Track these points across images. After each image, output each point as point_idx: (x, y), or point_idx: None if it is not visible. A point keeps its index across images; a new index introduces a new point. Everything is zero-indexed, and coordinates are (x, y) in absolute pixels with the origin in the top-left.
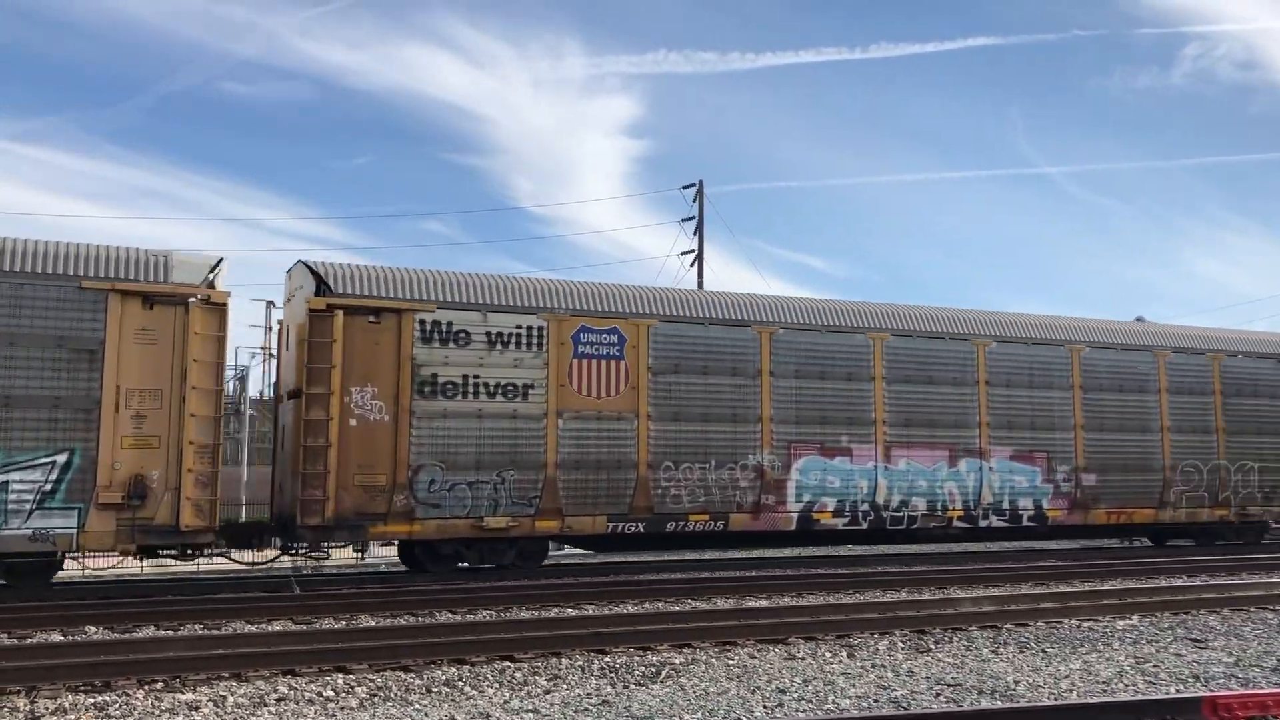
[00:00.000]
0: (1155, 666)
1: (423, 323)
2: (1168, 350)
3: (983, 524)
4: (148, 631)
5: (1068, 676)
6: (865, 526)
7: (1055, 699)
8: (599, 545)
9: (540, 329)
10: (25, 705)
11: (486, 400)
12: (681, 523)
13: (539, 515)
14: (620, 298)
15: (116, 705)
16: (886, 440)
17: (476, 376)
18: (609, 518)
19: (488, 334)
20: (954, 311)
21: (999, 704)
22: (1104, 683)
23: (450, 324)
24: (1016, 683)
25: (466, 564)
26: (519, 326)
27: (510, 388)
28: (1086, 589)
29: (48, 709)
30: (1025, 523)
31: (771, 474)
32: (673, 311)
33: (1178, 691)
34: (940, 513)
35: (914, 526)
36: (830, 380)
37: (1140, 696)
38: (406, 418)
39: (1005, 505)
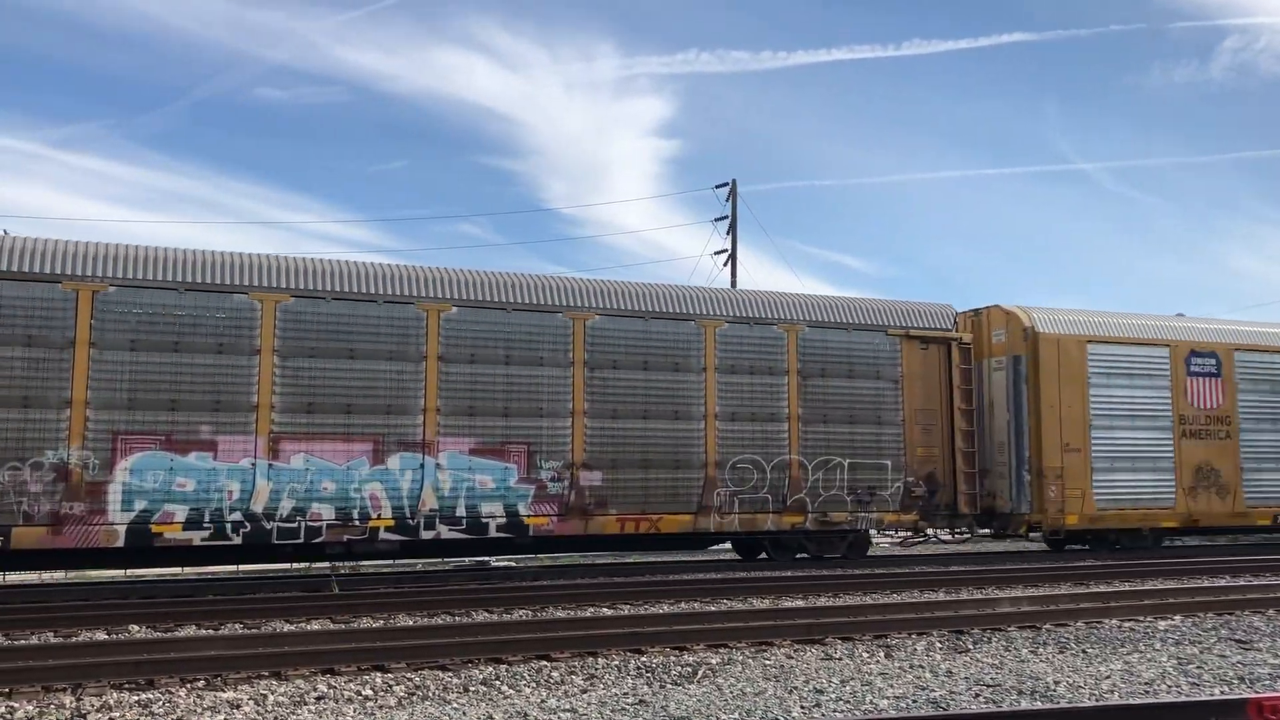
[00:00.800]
0: (1199, 667)
1: None
2: (720, 319)
3: (426, 535)
4: (189, 630)
5: (1109, 677)
6: (239, 540)
7: (1096, 700)
8: None
9: None
10: (71, 702)
11: None
12: None
13: None
14: None
15: (160, 703)
16: (275, 430)
17: None
18: None
19: None
20: (395, 268)
21: (1039, 705)
22: (1146, 684)
23: None
24: (1056, 683)
25: None
26: None
27: None
28: (1127, 589)
29: (93, 706)
30: (494, 533)
31: (83, 475)
32: None
33: (1222, 693)
34: (359, 522)
35: (318, 540)
36: (190, 353)
37: (1184, 698)
38: None
39: (461, 512)
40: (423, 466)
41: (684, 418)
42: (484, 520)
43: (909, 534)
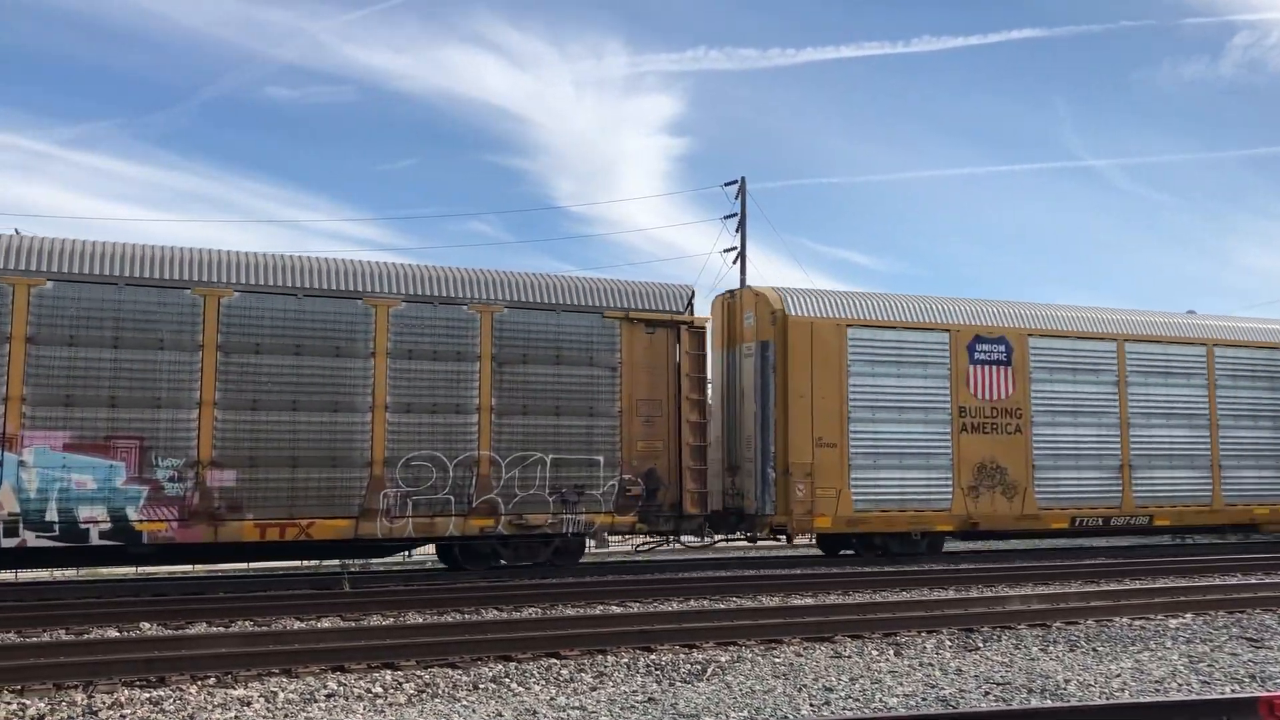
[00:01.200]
0: (1209, 666)
1: None
2: (395, 298)
3: (8, 543)
4: (200, 628)
5: (1119, 675)
6: None
7: (1107, 698)
8: None
9: None
10: (83, 699)
11: None
12: None
13: None
14: None
15: (170, 700)
16: None
17: None
18: None
19: None
20: None
21: (1049, 703)
22: (1156, 682)
23: None
24: (1067, 681)
25: None
26: None
27: None
28: (1137, 587)
29: (104, 703)
30: (97, 541)
31: None
32: None
33: (1233, 691)
34: None
35: None
36: None
37: (1194, 696)
38: None
39: (52, 516)
40: (1, 464)
41: (345, 409)
42: (83, 526)
43: (645, 538)
